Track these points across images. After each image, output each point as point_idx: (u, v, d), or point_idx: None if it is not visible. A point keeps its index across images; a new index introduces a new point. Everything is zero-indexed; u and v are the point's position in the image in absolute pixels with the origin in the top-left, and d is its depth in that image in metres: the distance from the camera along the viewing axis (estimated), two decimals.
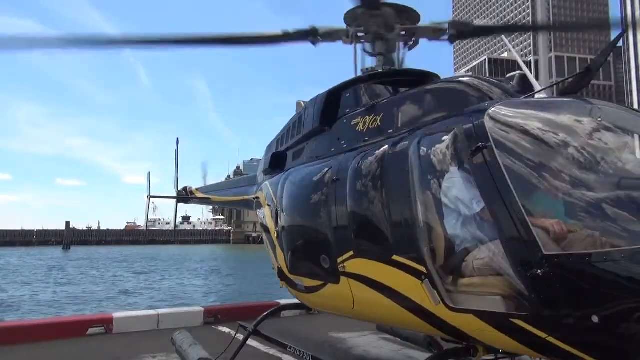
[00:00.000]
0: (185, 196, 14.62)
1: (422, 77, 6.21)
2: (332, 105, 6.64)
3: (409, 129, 4.94)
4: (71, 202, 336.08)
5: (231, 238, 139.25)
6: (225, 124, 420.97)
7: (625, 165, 3.81)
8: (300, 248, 6.46)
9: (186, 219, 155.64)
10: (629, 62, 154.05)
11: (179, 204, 15.86)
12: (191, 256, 76.85)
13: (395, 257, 4.62)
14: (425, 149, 4.48)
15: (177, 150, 16.48)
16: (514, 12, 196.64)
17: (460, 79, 5.19)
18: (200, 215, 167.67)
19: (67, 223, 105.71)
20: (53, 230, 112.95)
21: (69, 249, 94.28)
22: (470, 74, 5.05)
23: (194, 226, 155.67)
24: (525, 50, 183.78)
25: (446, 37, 6.79)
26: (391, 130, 5.28)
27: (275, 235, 7.09)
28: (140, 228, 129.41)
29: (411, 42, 7.04)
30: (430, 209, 4.36)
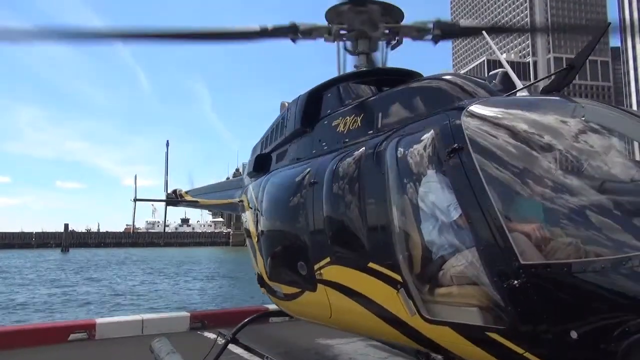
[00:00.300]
0: (174, 199, 14.40)
1: (405, 76, 6.00)
2: (313, 106, 6.49)
3: (388, 130, 4.75)
4: (71, 205, 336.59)
5: (230, 240, 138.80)
6: (225, 126, 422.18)
7: (611, 168, 3.58)
8: (278, 254, 6.27)
9: (185, 221, 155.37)
10: (627, 62, 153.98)
11: (172, 207, 15.67)
12: (190, 258, 76.57)
13: (371, 265, 4.41)
14: (401, 151, 4.28)
15: (167, 153, 16.30)
16: (512, 14, 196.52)
17: (441, 77, 4.98)
18: (200, 217, 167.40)
19: (66, 225, 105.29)
20: (52, 233, 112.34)
21: (68, 251, 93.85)
22: (452, 71, 4.83)
23: (193, 228, 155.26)
24: (524, 52, 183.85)
25: (430, 37, 6.62)
26: (371, 131, 5.10)
27: (256, 239, 6.91)
28: (139, 230, 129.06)
29: (394, 42, 6.85)
30: (406, 214, 4.14)
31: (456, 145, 3.64)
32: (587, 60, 4.13)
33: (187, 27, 6.67)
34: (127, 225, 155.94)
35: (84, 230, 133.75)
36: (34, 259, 70.76)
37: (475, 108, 3.86)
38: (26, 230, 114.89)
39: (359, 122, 5.41)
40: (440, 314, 3.79)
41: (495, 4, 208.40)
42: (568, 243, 3.21)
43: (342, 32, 6.75)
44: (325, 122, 6.10)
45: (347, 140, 5.41)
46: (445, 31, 6.66)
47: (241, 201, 8.63)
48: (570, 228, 3.29)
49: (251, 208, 7.47)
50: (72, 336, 9.67)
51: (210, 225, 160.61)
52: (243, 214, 8.39)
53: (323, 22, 6.67)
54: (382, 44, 6.85)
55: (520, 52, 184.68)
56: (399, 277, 4.06)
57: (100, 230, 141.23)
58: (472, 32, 8.48)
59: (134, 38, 6.59)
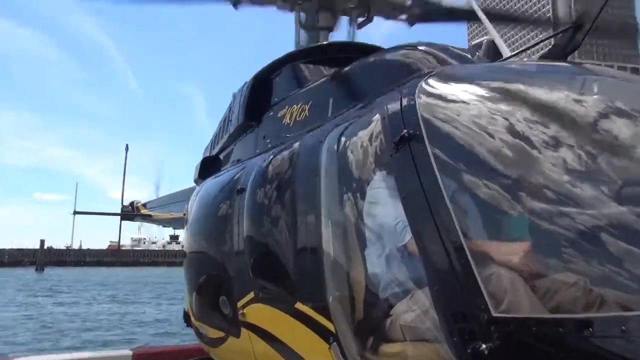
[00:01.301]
0: (128, 212, 13.39)
1: (369, 53, 5.05)
2: (259, 94, 5.59)
3: (334, 118, 3.82)
4: (50, 219, 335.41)
5: None
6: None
7: (635, 168, 2.57)
8: (202, 286, 5.37)
9: (174, 238, 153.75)
10: None
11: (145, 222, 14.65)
12: (177, 278, 75.27)
13: (298, 306, 3.47)
14: (338, 146, 3.41)
15: (125, 158, 15.33)
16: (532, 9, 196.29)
17: (408, 48, 4.04)
18: None
19: (42, 242, 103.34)
20: (27, 250, 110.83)
21: (43, 270, 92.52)
22: (425, 42, 3.89)
23: (183, 246, 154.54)
24: None
25: (405, 16, 5.73)
26: (320, 121, 4.18)
27: (184, 266, 5.97)
28: (123, 248, 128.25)
29: (364, 18, 5.94)
30: (341, 237, 3.25)
31: (406, 132, 2.67)
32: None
33: None
34: (111, 242, 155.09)
35: (63, 248, 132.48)
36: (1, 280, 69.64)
37: (437, 80, 2.90)
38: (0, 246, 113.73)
39: (306, 111, 4.55)
40: None
41: (516, 4, 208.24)
42: (569, 286, 2.20)
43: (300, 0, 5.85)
44: (271, 113, 5.27)
45: (290, 135, 4.51)
46: (425, 11, 5.78)
47: (185, 214, 7.72)
48: (573, 262, 2.29)
49: (186, 224, 6.54)
50: None
51: None
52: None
53: None
54: (347, 20, 5.96)
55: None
56: (331, 327, 3.09)
57: (82, 248, 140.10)
58: (464, 16, 7.16)
59: None
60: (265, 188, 4.12)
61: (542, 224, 2.38)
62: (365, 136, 3.14)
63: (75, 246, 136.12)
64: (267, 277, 3.93)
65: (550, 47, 3.18)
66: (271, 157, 4.26)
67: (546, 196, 2.41)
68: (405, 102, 2.84)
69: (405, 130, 2.67)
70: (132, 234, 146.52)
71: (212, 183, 5.64)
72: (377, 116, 3.05)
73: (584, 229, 2.30)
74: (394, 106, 2.92)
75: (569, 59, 3.17)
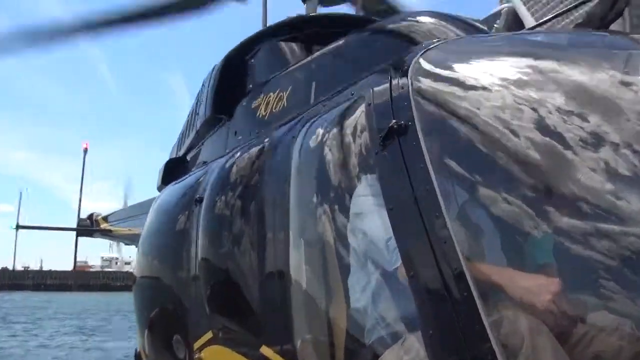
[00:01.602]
0: (87, 227, 13.20)
1: (363, 26, 4.83)
2: (232, 80, 5.40)
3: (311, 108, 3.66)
4: (4, 233, 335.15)
5: None
6: None
7: None
8: (154, 321, 5.15)
9: None
10: None
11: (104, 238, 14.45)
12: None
13: (264, 350, 3.27)
14: (312, 145, 3.24)
15: (83, 162, 15.16)
16: None
17: (411, 18, 3.84)
18: None
19: None
20: None
21: None
22: (431, 10, 3.67)
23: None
24: None
25: None
26: (299, 112, 3.98)
27: (133, 294, 5.79)
28: (92, 269, 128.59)
29: None
30: (317, 261, 3.05)
31: (394, 122, 2.40)
32: None
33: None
34: (78, 262, 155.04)
35: (20, 269, 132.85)
36: None
37: (436, 56, 2.67)
38: None
39: (284, 99, 4.36)
40: None
41: None
42: (609, 333, 1.98)
43: None
44: (244, 103, 5.08)
45: (262, 130, 4.36)
46: None
47: None
48: (615, 300, 2.03)
49: None
50: None
51: None
52: None
53: None
54: None
55: None
56: None
57: (43, 269, 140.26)
58: None
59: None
60: (226, 198, 3.93)
61: (573, 248, 2.11)
62: (346, 130, 2.91)
63: (34, 267, 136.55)
64: (227, 314, 3.74)
65: (586, 14, 2.92)
66: (234, 158, 4.09)
67: (580, 211, 2.13)
68: (395, 84, 2.58)
69: (394, 121, 2.41)
70: (102, 252, 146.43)
71: (171, 191, 5.46)
72: (361, 104, 2.80)
73: (630, 255, 2.02)
74: (381, 90, 2.67)
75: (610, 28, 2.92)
